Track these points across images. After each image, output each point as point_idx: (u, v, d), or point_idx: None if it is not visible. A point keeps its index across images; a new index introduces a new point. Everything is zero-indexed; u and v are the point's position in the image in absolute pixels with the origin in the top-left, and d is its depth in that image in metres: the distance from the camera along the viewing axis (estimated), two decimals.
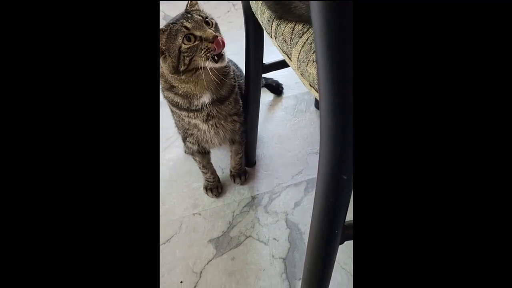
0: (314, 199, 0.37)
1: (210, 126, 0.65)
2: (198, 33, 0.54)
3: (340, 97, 0.27)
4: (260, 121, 0.84)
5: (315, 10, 0.23)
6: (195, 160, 0.76)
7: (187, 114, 0.63)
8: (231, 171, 0.82)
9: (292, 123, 0.98)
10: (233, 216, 0.75)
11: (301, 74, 0.34)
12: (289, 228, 0.72)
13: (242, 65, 0.72)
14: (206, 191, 0.80)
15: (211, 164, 0.78)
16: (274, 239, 0.70)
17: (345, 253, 0.66)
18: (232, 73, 0.64)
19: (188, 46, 0.54)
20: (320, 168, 0.33)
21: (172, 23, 0.55)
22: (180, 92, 0.61)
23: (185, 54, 0.54)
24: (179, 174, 0.85)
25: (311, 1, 0.23)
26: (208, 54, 0.54)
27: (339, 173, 0.32)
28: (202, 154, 0.74)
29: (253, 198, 0.79)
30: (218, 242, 0.70)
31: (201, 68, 0.56)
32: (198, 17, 0.55)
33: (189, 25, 0.54)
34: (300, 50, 0.34)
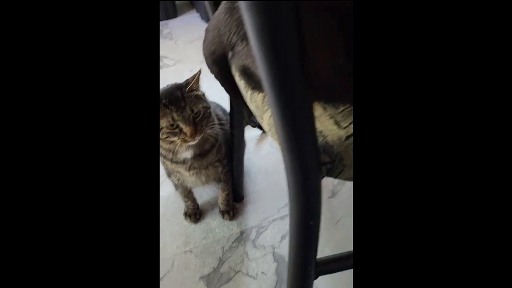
0: (289, 240, 0.43)
1: (191, 174, 0.73)
2: (181, 125, 0.61)
3: (299, 162, 0.34)
4: (247, 156, 0.91)
5: (270, 101, 0.29)
6: (177, 190, 0.84)
7: (170, 163, 0.71)
8: (219, 207, 0.88)
9: (278, 157, 1.05)
10: (223, 251, 0.80)
11: (271, 136, 0.42)
12: (276, 261, 0.77)
13: None
14: (186, 216, 0.88)
15: (192, 193, 0.86)
16: (262, 273, 0.75)
17: (328, 281, 0.71)
18: (216, 128, 0.70)
19: (168, 131, 0.62)
20: (291, 215, 0.40)
21: (163, 104, 0.60)
22: (163, 147, 0.68)
23: (164, 133, 0.62)
24: (171, 211, 0.90)
25: (260, 67, 0.27)
26: (183, 143, 0.63)
27: (306, 220, 0.38)
28: (184, 187, 0.82)
29: (241, 233, 0.84)
30: (209, 278, 0.75)
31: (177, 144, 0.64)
32: (189, 111, 0.62)
33: (176, 117, 0.61)
34: (270, 116, 0.41)
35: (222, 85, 0.55)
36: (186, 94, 0.63)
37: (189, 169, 0.72)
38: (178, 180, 0.78)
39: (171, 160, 0.70)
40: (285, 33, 0.23)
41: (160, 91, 0.64)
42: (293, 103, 0.28)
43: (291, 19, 0.22)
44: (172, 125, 0.61)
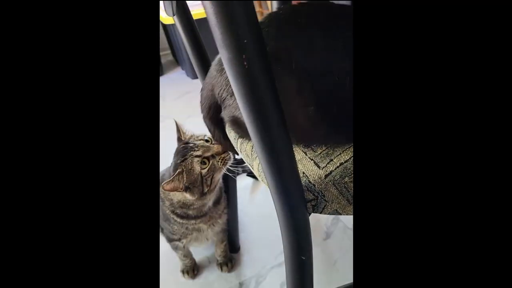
0: (286, 277, 0.48)
1: (209, 225, 0.78)
2: (208, 154, 0.67)
3: (288, 201, 0.40)
4: (240, 206, 0.96)
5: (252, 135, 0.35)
6: (177, 252, 0.87)
7: (194, 221, 0.75)
8: (217, 260, 0.91)
9: (270, 203, 1.10)
10: None
11: (262, 180, 0.49)
12: None
13: None
14: (183, 273, 0.90)
15: (190, 251, 0.90)
16: None
17: None
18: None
19: (206, 168, 0.66)
20: (285, 253, 0.45)
21: (181, 161, 0.67)
22: (195, 206, 0.73)
23: (207, 176, 0.67)
24: (167, 270, 0.92)
25: (246, 122, 0.34)
26: (225, 162, 0.67)
27: (298, 255, 0.44)
28: (186, 247, 0.86)
29: (240, 284, 0.86)
30: None
31: (218, 180, 0.69)
32: (200, 141, 0.69)
33: (198, 153, 0.67)
34: (259, 163, 0.48)
35: (221, 143, 0.63)
36: (186, 139, 0.71)
37: (209, 220, 0.77)
38: (190, 240, 0.81)
39: (195, 217, 0.75)
40: (262, 91, 0.30)
41: (165, 169, 0.71)
42: (275, 147, 0.35)
43: (266, 81, 0.30)
44: (204, 162, 0.66)
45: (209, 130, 0.62)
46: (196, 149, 0.67)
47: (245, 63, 0.28)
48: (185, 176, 0.66)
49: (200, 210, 0.74)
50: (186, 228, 0.77)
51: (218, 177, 0.69)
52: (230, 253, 0.93)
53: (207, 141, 0.71)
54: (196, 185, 0.67)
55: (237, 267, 0.90)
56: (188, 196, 0.68)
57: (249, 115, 0.32)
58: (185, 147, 0.69)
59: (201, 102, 0.59)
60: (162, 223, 0.82)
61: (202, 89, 0.58)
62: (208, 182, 0.67)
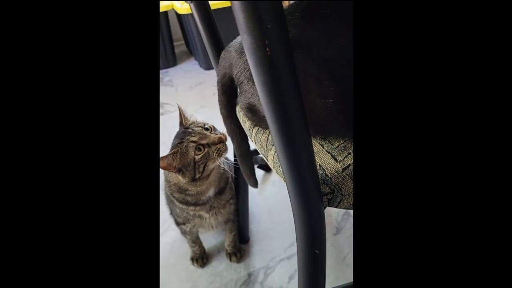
0: (298, 271, 0.47)
1: (211, 214, 0.78)
2: (204, 142, 0.67)
3: (304, 193, 0.39)
4: (250, 198, 0.96)
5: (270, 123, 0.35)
6: (185, 237, 0.88)
7: (194, 208, 0.76)
8: (226, 250, 0.91)
9: (281, 196, 1.10)
10: None
11: (276, 172, 0.48)
12: None
13: None
14: (192, 261, 0.90)
15: (199, 238, 0.90)
16: None
17: None
18: (227, 168, 0.78)
19: (200, 155, 0.67)
20: (298, 246, 0.44)
21: (178, 143, 0.68)
22: (191, 193, 0.73)
23: (199, 163, 0.67)
24: (177, 257, 0.93)
25: (265, 110, 0.33)
26: (221, 153, 0.68)
27: (312, 248, 0.43)
28: (193, 233, 0.87)
29: (249, 275, 0.86)
30: None
31: (212, 169, 0.69)
32: (198, 128, 0.70)
33: (195, 138, 0.67)
34: (274, 154, 0.48)
35: (225, 119, 0.62)
36: (187, 125, 0.72)
37: (210, 210, 0.77)
38: (194, 226, 0.82)
39: (195, 204, 0.75)
40: (283, 78, 0.29)
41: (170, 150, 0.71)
42: (294, 137, 0.34)
43: (288, 68, 0.29)
44: (199, 149, 0.67)
45: (218, 97, 0.60)
46: (193, 134, 0.68)
47: (267, 49, 0.27)
48: (178, 157, 0.67)
49: (199, 198, 0.74)
50: (187, 213, 0.78)
51: (212, 166, 0.69)
52: (240, 243, 0.93)
53: (206, 129, 0.71)
54: (188, 169, 0.67)
55: (246, 258, 0.91)
56: (180, 178, 0.69)
57: (268, 103, 0.31)
58: (184, 131, 0.70)
59: (219, 65, 0.58)
60: (169, 204, 0.84)
61: (221, 58, 0.57)
62: (200, 169, 0.67)
